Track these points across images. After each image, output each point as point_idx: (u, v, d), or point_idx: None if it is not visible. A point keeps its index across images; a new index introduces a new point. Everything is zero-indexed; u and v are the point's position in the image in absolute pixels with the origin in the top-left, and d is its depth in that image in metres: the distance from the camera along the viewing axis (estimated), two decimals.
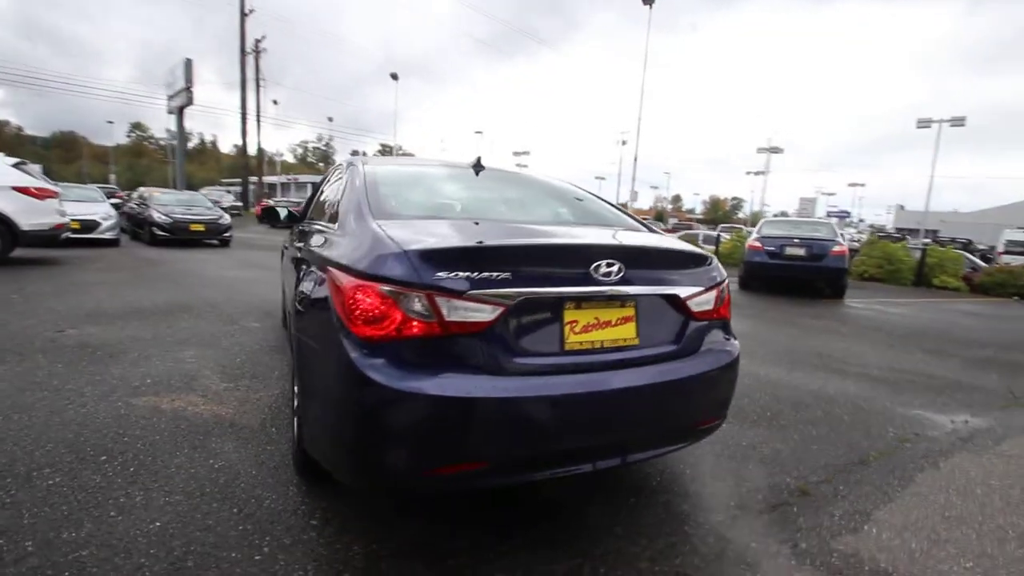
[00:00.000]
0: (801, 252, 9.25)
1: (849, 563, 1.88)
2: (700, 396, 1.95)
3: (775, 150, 37.87)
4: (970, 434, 3.26)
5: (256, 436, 2.64)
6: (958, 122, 21.78)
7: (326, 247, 2.04)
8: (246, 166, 31.69)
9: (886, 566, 1.88)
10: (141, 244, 12.08)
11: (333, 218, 2.36)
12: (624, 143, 47.45)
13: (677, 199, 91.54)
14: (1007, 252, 18.54)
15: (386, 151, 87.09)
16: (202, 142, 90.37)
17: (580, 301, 1.73)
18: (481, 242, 1.65)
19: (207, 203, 13.98)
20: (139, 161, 72.46)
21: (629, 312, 1.81)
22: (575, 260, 1.74)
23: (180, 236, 12.06)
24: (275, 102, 50.07)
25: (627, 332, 1.80)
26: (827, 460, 2.73)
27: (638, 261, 1.84)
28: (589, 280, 1.72)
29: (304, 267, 2.27)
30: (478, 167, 2.78)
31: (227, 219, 13.09)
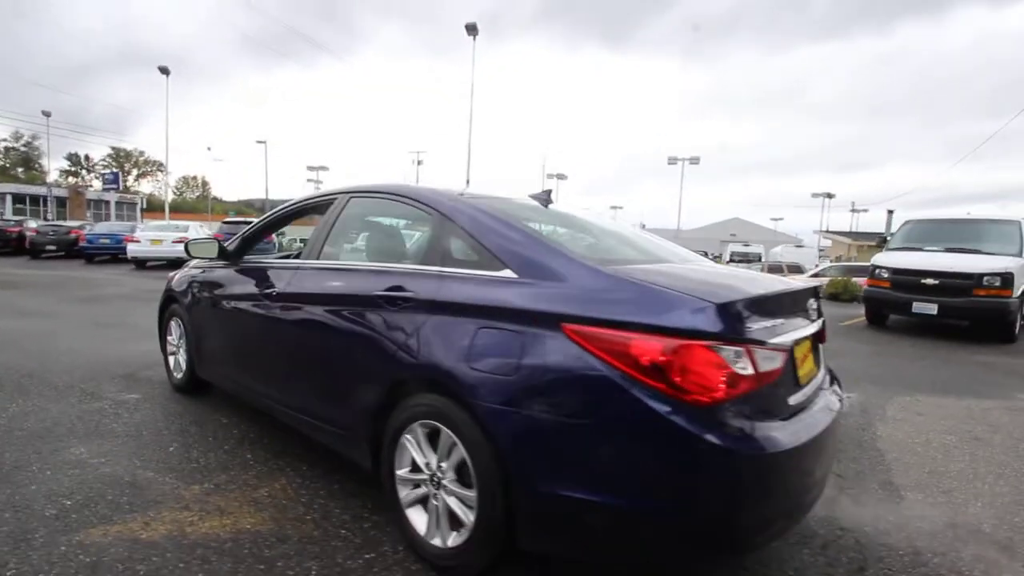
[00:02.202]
0: None
1: None
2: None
3: (561, 176, 43.00)
4: None
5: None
6: (695, 160, 28.73)
7: (535, 299, 1.70)
8: None
9: None
10: None
11: (451, 262, 2.02)
12: (420, 163, 47.91)
13: None
14: (731, 262, 24.47)
15: (120, 155, 71.43)
16: None
17: (802, 339, 1.84)
18: (764, 292, 1.65)
19: None
20: None
21: (808, 343, 1.98)
22: (802, 300, 1.86)
23: None
24: None
25: (811, 363, 1.97)
26: None
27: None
28: (807, 316, 1.85)
29: (473, 326, 1.80)
30: (547, 201, 2.65)
31: None
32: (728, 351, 1.47)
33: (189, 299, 3.51)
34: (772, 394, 1.64)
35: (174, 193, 34.45)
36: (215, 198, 78.56)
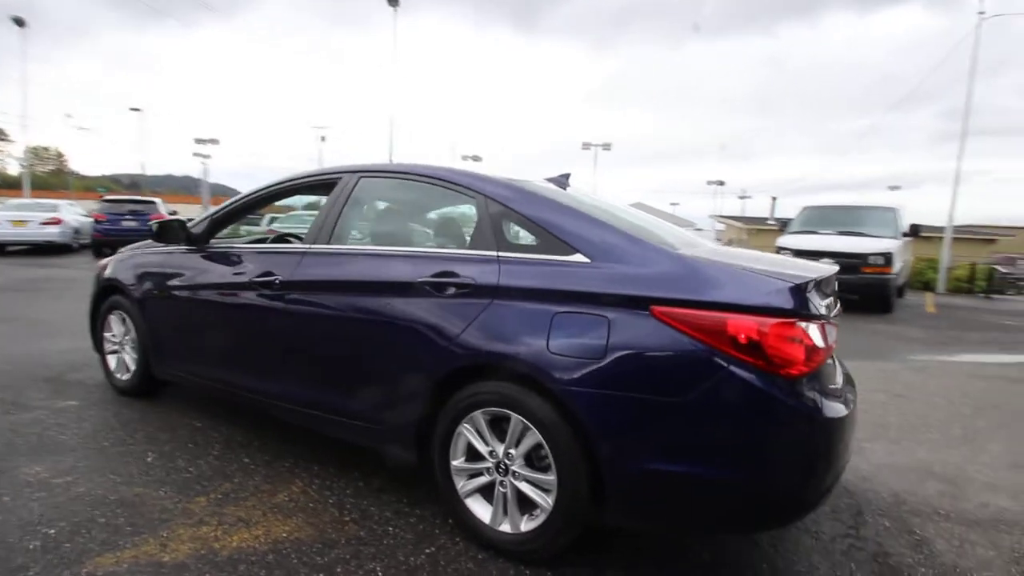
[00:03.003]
0: None
1: None
2: None
3: (476, 159, 42.60)
4: None
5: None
6: (607, 147, 29.90)
7: (619, 283, 1.72)
8: None
9: None
10: None
11: (515, 247, 1.98)
12: (323, 139, 45.06)
13: None
14: None
15: None
16: None
17: None
18: (819, 274, 1.79)
19: None
20: None
21: None
22: (833, 283, 2.04)
23: None
24: None
25: None
26: None
27: None
28: (834, 297, 2.05)
29: (560, 310, 1.76)
30: (565, 185, 2.64)
31: None
32: (809, 327, 1.60)
33: (142, 290, 3.08)
34: (829, 366, 1.81)
35: (21, 167, 29.32)
36: (72, 173, 68.55)
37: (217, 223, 2.96)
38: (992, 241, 22.84)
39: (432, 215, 2.66)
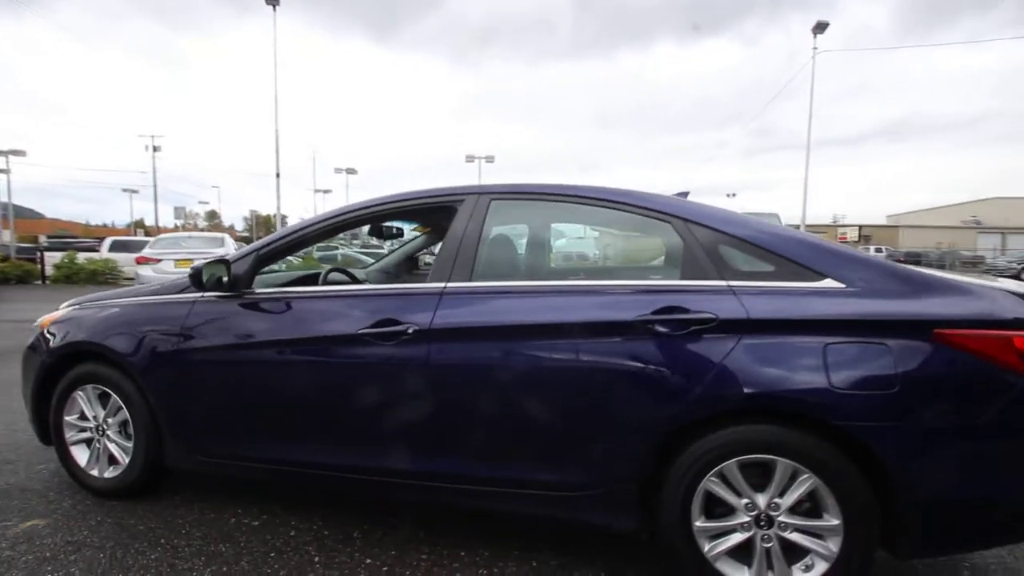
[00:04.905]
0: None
1: None
2: None
3: (351, 171, 40.07)
4: None
5: None
6: (491, 159, 30.00)
7: (893, 308, 1.63)
8: None
9: None
10: None
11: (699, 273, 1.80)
12: (157, 149, 38.98)
13: (214, 215, 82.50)
14: None
15: None
16: None
17: None
18: None
19: None
20: None
21: None
22: None
23: None
24: None
25: None
26: None
27: None
28: None
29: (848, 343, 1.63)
30: None
31: None
32: None
33: (148, 353, 2.28)
34: None
35: None
36: None
37: (263, 261, 2.31)
38: None
39: (585, 241, 2.34)
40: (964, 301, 1.64)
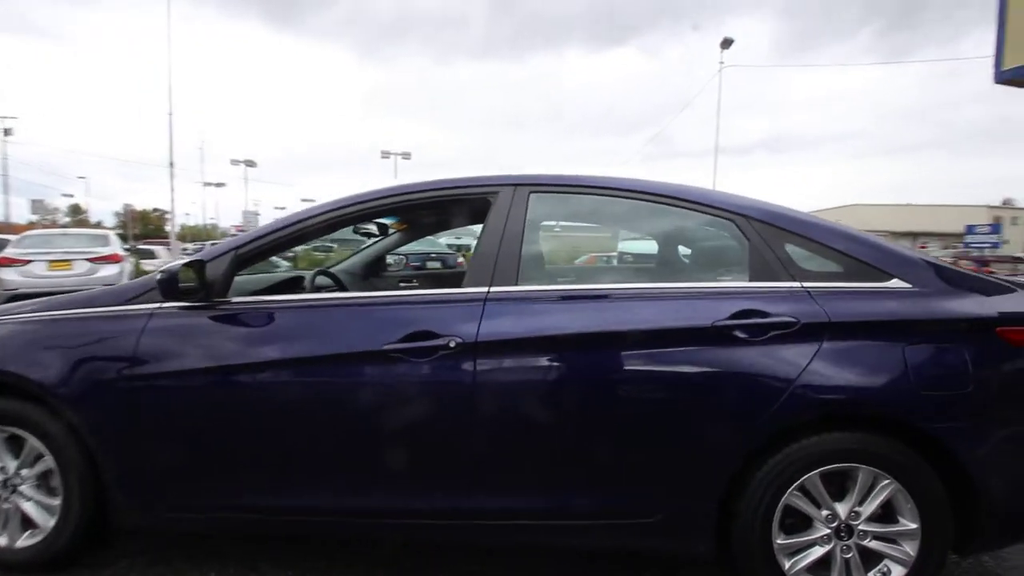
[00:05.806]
0: None
1: None
2: None
3: (250, 163, 36.57)
4: None
5: None
6: (407, 156, 29.09)
7: (959, 307, 1.63)
8: None
9: None
10: None
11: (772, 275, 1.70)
12: (8, 132, 32.98)
13: (78, 210, 71.85)
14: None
15: None
16: None
17: None
18: None
19: None
20: None
21: None
22: None
23: None
24: None
25: None
26: None
27: None
28: None
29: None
30: None
31: None
32: None
33: (86, 383, 1.77)
34: None
35: None
36: None
37: (243, 262, 1.88)
38: None
39: (641, 239, 2.15)
40: (1018, 299, 1.69)
